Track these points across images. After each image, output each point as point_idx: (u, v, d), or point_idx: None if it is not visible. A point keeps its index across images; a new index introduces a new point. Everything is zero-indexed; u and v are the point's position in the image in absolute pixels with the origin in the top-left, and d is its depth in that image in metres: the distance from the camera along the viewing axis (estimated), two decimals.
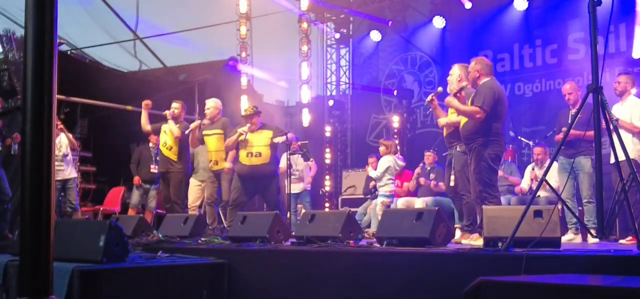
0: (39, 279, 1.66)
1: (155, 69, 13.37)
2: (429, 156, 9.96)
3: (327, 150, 13.96)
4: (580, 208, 7.48)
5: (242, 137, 8.03)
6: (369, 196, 10.59)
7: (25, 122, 1.71)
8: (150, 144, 10.29)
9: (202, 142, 8.79)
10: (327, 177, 13.57)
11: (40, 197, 1.67)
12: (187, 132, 8.60)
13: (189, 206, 9.32)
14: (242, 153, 8.08)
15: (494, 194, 6.08)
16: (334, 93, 15.05)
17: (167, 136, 8.74)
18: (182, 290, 5.31)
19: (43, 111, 1.70)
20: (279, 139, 8.12)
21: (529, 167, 8.76)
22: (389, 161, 9.36)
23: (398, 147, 11.48)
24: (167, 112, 8.72)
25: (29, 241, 1.67)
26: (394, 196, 9.54)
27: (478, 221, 6.25)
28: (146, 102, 8.91)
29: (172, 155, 8.70)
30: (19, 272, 1.67)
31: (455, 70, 6.82)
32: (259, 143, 8.05)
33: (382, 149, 9.65)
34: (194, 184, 9.37)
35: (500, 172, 8.81)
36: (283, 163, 9.48)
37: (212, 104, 8.77)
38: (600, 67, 4.58)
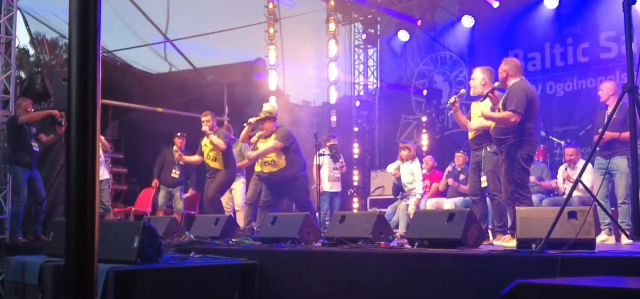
0: (83, 283, 1.68)
1: (184, 71, 13.47)
2: (459, 157, 9.90)
3: (356, 145, 13.94)
4: (613, 209, 7.38)
5: (252, 147, 8.09)
6: (398, 197, 10.58)
7: (70, 127, 1.73)
8: (175, 147, 10.39)
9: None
10: (356, 171, 13.56)
11: (85, 201, 1.69)
12: (245, 124, 8.55)
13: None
14: (260, 161, 8.09)
15: (526, 195, 6.02)
16: (361, 93, 15.04)
17: (208, 147, 8.79)
18: (215, 291, 5.36)
19: (87, 116, 1.72)
20: (276, 145, 7.91)
21: (562, 168, 8.64)
22: (415, 166, 9.68)
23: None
24: (204, 128, 8.75)
25: (74, 245, 1.69)
26: (423, 196, 9.62)
27: (509, 223, 6.21)
28: None
29: (218, 165, 8.74)
30: (64, 276, 1.69)
31: (479, 74, 6.79)
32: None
33: (405, 152, 9.73)
34: None
35: (531, 178, 8.74)
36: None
37: (267, 108, 8.77)
38: (636, 66, 4.51)
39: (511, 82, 6.21)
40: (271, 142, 7.96)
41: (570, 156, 8.42)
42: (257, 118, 8.17)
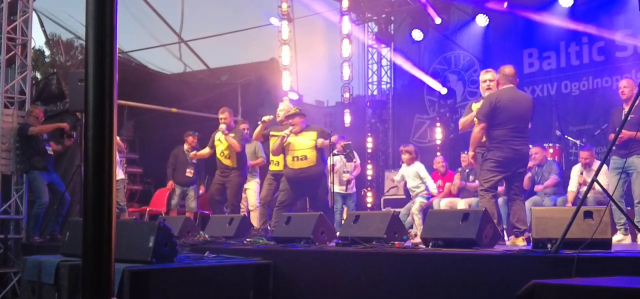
0: (101, 282, 1.70)
1: (198, 71, 13.51)
2: (465, 158, 9.83)
3: (369, 139, 13.96)
4: (629, 208, 7.32)
5: (286, 142, 7.90)
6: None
7: (87, 128, 1.74)
8: (185, 146, 10.42)
9: (266, 139, 8.66)
10: (369, 166, 13.58)
11: (102, 201, 1.71)
12: (260, 122, 8.59)
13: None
14: (288, 157, 7.95)
15: (483, 193, 6.27)
16: (375, 93, 15.02)
17: (223, 144, 8.79)
18: (229, 290, 5.37)
19: (104, 116, 1.73)
20: (322, 143, 7.89)
21: (577, 168, 8.53)
22: (420, 167, 9.52)
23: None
24: (222, 126, 8.75)
25: (91, 244, 1.70)
26: (430, 198, 9.57)
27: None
28: None
29: (231, 162, 8.74)
30: (81, 275, 1.70)
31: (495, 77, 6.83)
32: (303, 146, 7.88)
33: (406, 156, 9.61)
34: None
35: (538, 187, 8.71)
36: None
37: (283, 107, 8.76)
38: None
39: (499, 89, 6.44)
40: (313, 140, 7.89)
41: (586, 159, 8.33)
42: (290, 112, 8.11)
